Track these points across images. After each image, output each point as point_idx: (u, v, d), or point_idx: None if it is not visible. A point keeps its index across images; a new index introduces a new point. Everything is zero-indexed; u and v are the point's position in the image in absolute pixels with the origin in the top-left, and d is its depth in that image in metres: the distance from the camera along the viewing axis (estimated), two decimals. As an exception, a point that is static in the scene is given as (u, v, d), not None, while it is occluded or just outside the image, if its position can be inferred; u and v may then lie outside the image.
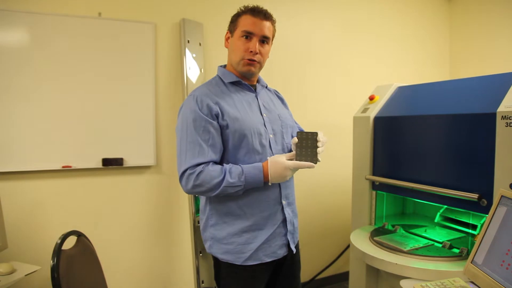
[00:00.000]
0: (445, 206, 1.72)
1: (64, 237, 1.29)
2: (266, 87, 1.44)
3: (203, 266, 2.22)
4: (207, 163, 1.18)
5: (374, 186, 1.86)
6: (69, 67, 2.00)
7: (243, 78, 1.31)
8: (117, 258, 2.17)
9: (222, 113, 1.20)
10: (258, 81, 1.38)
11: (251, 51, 1.23)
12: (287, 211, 1.30)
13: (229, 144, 1.22)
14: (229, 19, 1.32)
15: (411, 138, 1.69)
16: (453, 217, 1.69)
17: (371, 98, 1.97)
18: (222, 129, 1.21)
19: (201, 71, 2.28)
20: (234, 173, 1.17)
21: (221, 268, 1.28)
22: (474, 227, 1.55)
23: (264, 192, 1.24)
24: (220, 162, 1.23)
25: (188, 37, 2.24)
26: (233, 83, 1.31)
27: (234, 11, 1.30)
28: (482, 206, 1.36)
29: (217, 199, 1.25)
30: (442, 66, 3.31)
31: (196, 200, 2.21)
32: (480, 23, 3.05)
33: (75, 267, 1.28)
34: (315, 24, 2.73)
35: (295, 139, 1.21)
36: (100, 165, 2.08)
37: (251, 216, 1.23)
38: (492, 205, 1.19)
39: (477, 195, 1.36)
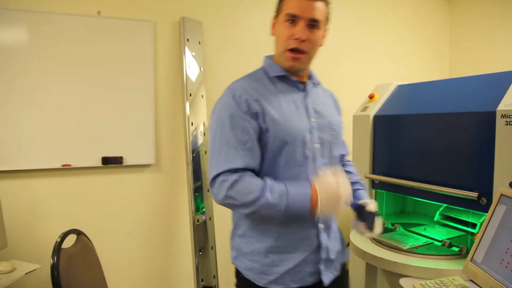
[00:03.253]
0: (445, 205, 1.72)
1: (64, 236, 1.29)
2: (319, 85, 1.20)
3: (203, 265, 2.22)
4: (243, 170, 0.98)
5: (374, 184, 1.86)
6: (68, 65, 2.00)
7: (292, 73, 1.09)
8: (116, 256, 2.17)
9: (263, 113, 1.00)
10: (309, 77, 1.15)
11: (296, 38, 1.01)
12: (323, 236, 1.07)
13: (268, 151, 1.02)
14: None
15: (411, 136, 1.69)
16: (453, 216, 1.70)
17: (371, 97, 1.97)
18: (262, 133, 1.01)
19: (200, 69, 2.28)
20: (275, 191, 0.95)
21: (243, 285, 1.11)
22: (473, 225, 1.55)
23: None
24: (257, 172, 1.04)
25: (187, 36, 2.24)
26: (279, 78, 1.09)
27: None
28: (482, 204, 1.36)
29: None
30: (442, 64, 3.31)
31: (196, 199, 2.21)
32: (480, 23, 3.05)
33: (75, 265, 1.29)
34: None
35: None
36: (99, 163, 2.08)
37: (280, 236, 1.04)
38: (491, 204, 1.19)
39: (477, 193, 1.36)
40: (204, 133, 2.28)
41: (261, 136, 1.01)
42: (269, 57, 1.14)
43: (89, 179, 2.11)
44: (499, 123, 1.29)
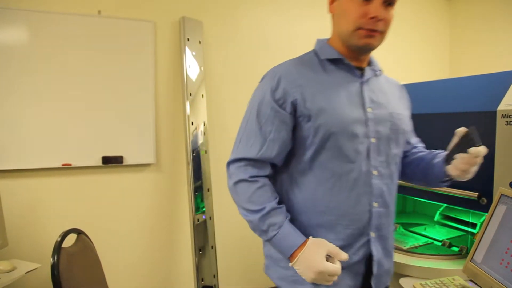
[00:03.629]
0: (445, 205, 1.72)
1: (64, 235, 1.29)
2: (381, 73, 1.04)
3: (203, 264, 2.22)
4: (259, 163, 0.92)
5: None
6: (68, 65, 2.00)
7: (350, 56, 0.96)
8: (117, 255, 2.17)
9: (304, 100, 0.90)
10: (369, 63, 1.01)
11: (372, 17, 0.87)
12: (376, 247, 0.95)
13: (309, 143, 0.91)
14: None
15: (411, 136, 1.69)
16: (453, 216, 1.69)
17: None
18: (301, 122, 0.91)
19: (201, 69, 2.28)
20: (273, 218, 0.89)
21: None
22: (473, 225, 1.55)
23: (345, 208, 0.92)
24: (291, 168, 0.95)
25: (188, 35, 2.24)
26: (331, 62, 0.96)
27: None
28: (482, 204, 1.36)
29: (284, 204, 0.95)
30: (442, 64, 3.31)
31: (196, 199, 2.21)
32: (480, 23, 3.05)
33: (75, 264, 1.29)
34: (314, 22, 2.72)
35: (461, 131, 0.94)
36: (100, 163, 2.08)
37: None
38: (491, 204, 1.19)
39: (477, 193, 1.36)
40: (204, 133, 2.28)
41: (301, 126, 0.91)
42: (323, 40, 1.02)
43: (89, 178, 2.11)
44: (500, 123, 1.29)
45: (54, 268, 1.14)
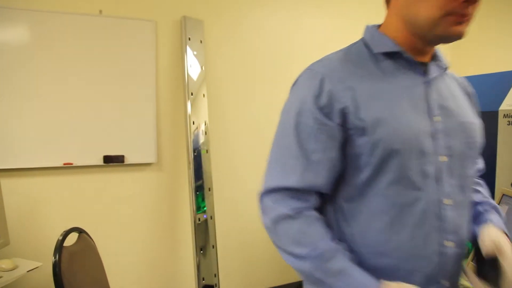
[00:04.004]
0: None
1: (66, 234, 1.29)
2: (447, 70, 0.83)
3: (204, 264, 2.22)
4: (302, 193, 0.70)
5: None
6: (70, 64, 2.01)
7: (411, 48, 0.73)
8: (118, 254, 2.18)
9: (356, 107, 0.68)
10: (433, 58, 0.78)
11: (466, 0, 0.66)
12: (451, 255, 0.71)
13: (362, 164, 0.69)
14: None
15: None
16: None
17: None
18: (353, 136, 0.69)
19: (202, 68, 2.28)
20: (331, 262, 0.67)
21: None
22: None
23: (409, 250, 0.70)
24: (337, 194, 0.74)
25: (189, 35, 2.24)
26: (387, 56, 0.74)
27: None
28: (483, 204, 1.36)
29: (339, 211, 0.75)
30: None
31: (197, 198, 2.21)
32: (481, 23, 3.04)
33: (77, 263, 1.29)
34: (316, 21, 2.72)
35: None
36: (101, 162, 2.09)
37: (366, 248, 0.71)
38: (493, 204, 1.19)
39: (478, 193, 1.36)
40: (206, 132, 2.28)
41: (352, 141, 0.69)
42: (373, 27, 0.78)
43: (90, 177, 2.11)
44: (501, 122, 1.29)
45: (56, 266, 1.14)
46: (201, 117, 2.27)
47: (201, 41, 2.29)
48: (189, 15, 2.27)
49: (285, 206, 0.70)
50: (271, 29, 2.51)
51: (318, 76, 0.71)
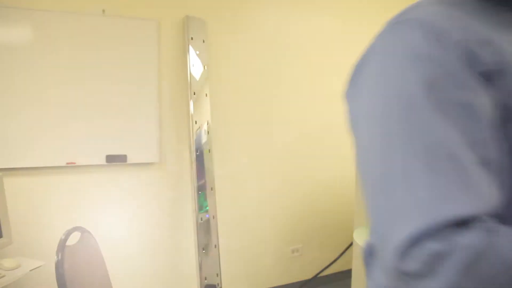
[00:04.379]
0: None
1: (69, 233, 1.30)
2: None
3: (206, 263, 2.22)
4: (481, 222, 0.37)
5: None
6: (73, 64, 2.01)
7: None
8: (120, 253, 2.18)
9: (502, 71, 0.43)
10: None
11: None
12: None
13: None
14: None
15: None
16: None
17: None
18: (501, 117, 0.42)
19: (204, 68, 2.28)
20: None
21: None
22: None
23: None
24: None
25: (191, 34, 2.24)
26: (497, 2, 0.50)
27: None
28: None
29: None
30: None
31: (199, 197, 2.21)
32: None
33: (79, 262, 1.29)
34: (318, 20, 2.72)
35: None
36: (103, 161, 2.09)
37: None
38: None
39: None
40: (208, 132, 2.28)
41: (500, 125, 0.42)
42: None
43: (93, 177, 2.12)
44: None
45: (59, 265, 1.15)
46: (203, 117, 2.27)
47: (203, 41, 2.29)
48: (192, 14, 2.27)
49: (463, 241, 0.36)
50: (274, 28, 2.51)
51: (438, 25, 0.44)
